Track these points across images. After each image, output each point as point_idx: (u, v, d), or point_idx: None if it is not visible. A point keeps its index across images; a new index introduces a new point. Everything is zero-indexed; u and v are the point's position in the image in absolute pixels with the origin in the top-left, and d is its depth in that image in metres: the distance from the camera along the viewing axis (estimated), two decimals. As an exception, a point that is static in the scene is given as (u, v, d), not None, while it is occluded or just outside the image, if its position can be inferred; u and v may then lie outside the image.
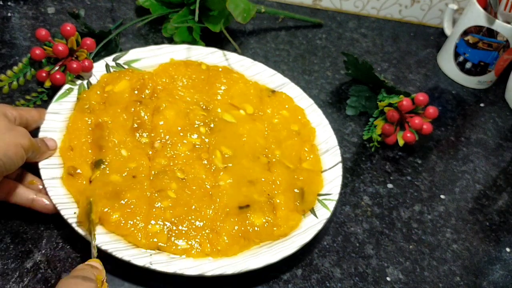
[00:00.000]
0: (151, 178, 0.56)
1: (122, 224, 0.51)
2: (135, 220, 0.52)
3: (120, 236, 0.51)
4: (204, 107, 0.64)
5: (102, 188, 0.53)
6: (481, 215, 0.68)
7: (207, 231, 0.53)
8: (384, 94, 0.74)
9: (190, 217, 0.54)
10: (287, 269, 0.56)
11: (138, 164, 0.56)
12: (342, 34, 0.91)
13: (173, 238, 0.52)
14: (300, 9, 0.92)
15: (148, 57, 0.68)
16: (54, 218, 0.52)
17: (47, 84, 0.62)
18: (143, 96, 0.63)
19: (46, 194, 0.52)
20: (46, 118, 0.57)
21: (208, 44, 0.74)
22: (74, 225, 0.50)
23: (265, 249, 0.54)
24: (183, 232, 0.53)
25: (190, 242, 0.52)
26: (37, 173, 0.54)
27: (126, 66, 0.66)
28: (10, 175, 0.52)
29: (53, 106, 0.59)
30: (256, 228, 0.54)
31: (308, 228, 0.56)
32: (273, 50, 0.83)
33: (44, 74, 0.63)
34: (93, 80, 0.64)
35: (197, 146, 0.60)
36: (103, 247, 0.49)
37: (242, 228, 0.54)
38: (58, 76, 0.62)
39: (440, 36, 0.96)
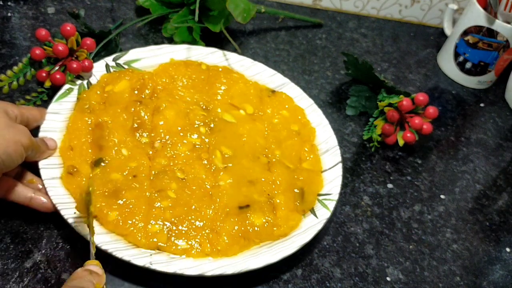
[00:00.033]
0: (151, 178, 0.56)
1: (121, 224, 0.51)
2: (134, 220, 0.52)
3: (119, 236, 0.51)
4: (204, 107, 0.64)
5: (101, 185, 0.53)
6: (481, 215, 0.68)
7: (207, 231, 0.53)
8: (384, 94, 0.74)
9: (190, 217, 0.54)
10: (287, 269, 0.56)
11: (139, 164, 0.56)
12: (342, 34, 0.91)
13: (173, 238, 0.52)
14: (300, 9, 0.92)
15: (148, 57, 0.68)
16: (54, 218, 0.52)
17: (47, 84, 0.62)
18: (143, 96, 0.63)
19: (45, 193, 0.52)
20: (46, 118, 0.58)
21: (208, 44, 0.74)
22: (74, 225, 0.50)
23: (265, 249, 0.54)
24: (183, 232, 0.53)
25: (190, 242, 0.52)
26: (36, 172, 0.54)
27: (126, 66, 0.66)
28: (10, 173, 0.52)
29: (53, 106, 0.59)
30: (256, 228, 0.54)
31: (308, 228, 0.56)
32: (273, 50, 0.83)
33: (44, 74, 0.63)
34: (93, 80, 0.64)
35: (197, 146, 0.60)
36: (103, 247, 0.49)
37: (242, 228, 0.54)
38: (58, 76, 0.62)
39: (440, 36, 0.96)
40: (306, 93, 0.70)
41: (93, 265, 0.46)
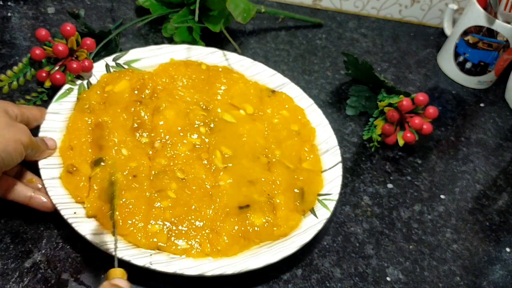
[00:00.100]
0: (151, 178, 0.56)
1: (121, 224, 0.51)
2: (134, 220, 0.52)
3: (119, 235, 0.51)
4: (204, 107, 0.64)
5: (101, 185, 0.53)
6: (481, 215, 0.68)
7: (207, 231, 0.53)
8: (384, 94, 0.74)
9: (190, 217, 0.54)
10: (287, 269, 0.56)
11: (139, 164, 0.56)
12: (342, 34, 0.91)
13: (173, 238, 0.52)
14: (300, 9, 0.92)
15: (148, 57, 0.68)
16: (54, 218, 0.52)
17: (47, 84, 0.62)
18: (143, 96, 0.63)
19: (45, 192, 0.52)
20: (46, 118, 0.58)
21: (208, 44, 0.74)
22: (74, 225, 0.50)
23: (265, 249, 0.54)
24: (183, 232, 0.53)
25: (190, 242, 0.52)
26: (36, 171, 0.54)
27: (126, 66, 0.66)
28: (9, 172, 0.52)
29: (53, 106, 0.59)
30: (256, 228, 0.54)
31: (308, 228, 0.56)
32: (273, 50, 0.83)
33: (44, 74, 0.63)
34: (93, 80, 0.64)
35: (197, 146, 0.60)
36: (103, 247, 0.49)
37: (242, 228, 0.54)
38: (58, 76, 0.62)
39: (440, 36, 0.96)
40: (306, 93, 0.70)
41: (119, 279, 0.44)
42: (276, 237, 0.55)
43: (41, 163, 0.54)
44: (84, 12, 0.69)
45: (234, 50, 0.75)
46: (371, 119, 0.73)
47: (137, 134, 0.59)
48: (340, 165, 0.63)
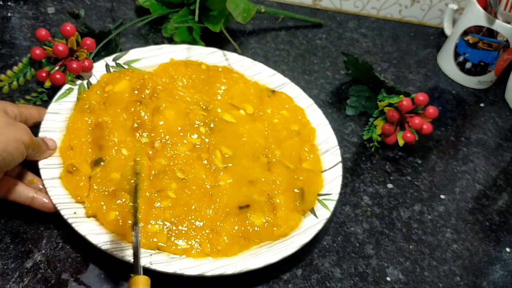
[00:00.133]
0: (151, 178, 0.56)
1: (121, 224, 0.51)
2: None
3: (119, 236, 0.51)
4: (204, 107, 0.64)
5: (101, 185, 0.53)
6: (481, 215, 0.68)
7: (207, 231, 0.53)
8: (384, 94, 0.74)
9: (190, 217, 0.54)
10: (287, 269, 0.56)
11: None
12: (342, 34, 0.91)
13: (173, 238, 0.52)
14: (300, 9, 0.92)
15: (148, 57, 0.68)
16: (54, 218, 0.52)
17: (47, 84, 0.62)
18: (143, 96, 0.63)
19: (46, 193, 0.52)
20: (46, 118, 0.57)
21: (208, 44, 0.74)
22: (74, 225, 0.50)
23: (265, 249, 0.54)
24: (183, 232, 0.53)
25: (190, 242, 0.52)
26: (37, 172, 0.54)
27: (126, 66, 0.66)
28: (11, 172, 0.52)
29: (53, 106, 0.59)
30: (256, 228, 0.54)
31: (308, 228, 0.56)
32: (273, 50, 0.83)
33: (44, 74, 0.63)
34: (93, 80, 0.64)
35: (197, 146, 0.60)
36: (103, 247, 0.49)
37: (242, 228, 0.54)
38: (58, 76, 0.62)
39: (440, 36, 0.96)
40: (306, 93, 0.70)
41: None
42: (276, 237, 0.55)
43: (41, 163, 0.54)
44: (84, 12, 0.69)
45: (234, 50, 0.75)
46: (371, 119, 0.73)
47: (137, 134, 0.59)
48: (340, 165, 0.63)
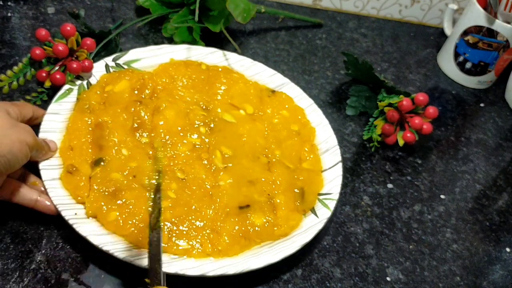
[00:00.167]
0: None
1: (121, 224, 0.51)
2: (134, 220, 0.52)
3: (120, 236, 0.51)
4: (204, 107, 0.64)
5: (101, 185, 0.53)
6: (481, 215, 0.68)
7: (207, 231, 0.53)
8: (384, 94, 0.74)
9: (190, 217, 0.54)
10: (287, 269, 0.56)
11: (139, 164, 0.56)
12: (342, 34, 0.91)
13: (173, 239, 0.52)
14: (300, 9, 0.92)
15: (148, 57, 0.68)
16: (54, 218, 0.52)
17: (47, 84, 0.62)
18: (143, 96, 0.63)
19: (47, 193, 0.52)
20: (46, 118, 0.57)
21: (208, 44, 0.74)
22: (75, 227, 0.50)
23: (266, 249, 0.54)
24: (184, 232, 0.53)
25: (191, 243, 0.52)
26: (38, 174, 0.53)
27: (126, 66, 0.66)
28: (13, 174, 0.52)
29: (52, 106, 0.59)
30: (256, 228, 0.54)
31: (309, 227, 0.56)
32: (273, 50, 0.83)
33: (44, 74, 0.63)
34: (93, 80, 0.64)
35: (197, 146, 0.60)
36: (104, 248, 0.49)
37: (243, 228, 0.54)
38: (58, 76, 0.62)
39: (440, 36, 0.96)
40: (306, 93, 0.70)
41: None
42: (277, 237, 0.55)
43: (42, 165, 0.54)
44: (84, 12, 0.69)
45: (234, 50, 0.75)
46: (371, 119, 0.73)
47: (137, 134, 0.59)
48: (340, 164, 0.63)
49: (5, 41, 0.70)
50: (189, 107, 0.63)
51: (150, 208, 0.48)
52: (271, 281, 0.54)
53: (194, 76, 0.67)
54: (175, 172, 0.57)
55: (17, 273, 0.49)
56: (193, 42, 0.74)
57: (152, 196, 0.48)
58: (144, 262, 0.49)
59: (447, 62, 0.89)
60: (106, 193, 0.53)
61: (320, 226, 0.56)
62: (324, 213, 0.58)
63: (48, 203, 0.51)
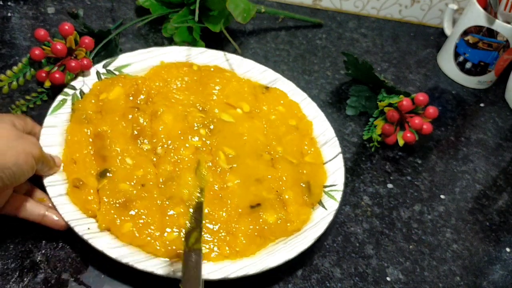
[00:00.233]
0: (160, 185, 0.55)
1: (137, 235, 0.51)
2: (149, 230, 0.51)
3: (137, 247, 0.50)
4: (201, 108, 0.64)
5: (111, 197, 0.52)
6: (481, 215, 0.68)
7: (223, 233, 0.53)
8: (384, 94, 0.74)
9: (204, 221, 0.53)
10: (287, 269, 0.56)
11: (145, 172, 0.55)
12: (342, 34, 0.91)
13: None
14: (300, 9, 0.92)
15: (138, 61, 0.67)
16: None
17: (47, 84, 0.62)
18: (138, 101, 0.62)
19: (57, 210, 0.51)
20: (43, 132, 0.56)
21: (208, 44, 0.74)
22: (91, 242, 0.49)
23: (281, 246, 0.54)
24: None
25: (207, 246, 0.52)
26: (44, 191, 0.52)
27: (117, 72, 0.65)
28: (19, 189, 0.51)
29: (48, 119, 0.57)
30: (270, 226, 0.55)
31: (319, 220, 0.57)
32: (273, 50, 0.83)
33: (43, 74, 0.63)
34: (85, 88, 0.62)
35: (199, 148, 0.59)
36: (123, 261, 0.48)
37: (257, 227, 0.54)
38: (57, 76, 0.62)
39: (440, 36, 0.96)
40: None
41: None
42: (290, 233, 0.55)
43: (46, 181, 0.52)
44: (83, 12, 0.69)
45: (234, 50, 0.75)
46: (371, 119, 0.73)
47: (139, 142, 0.58)
48: (341, 155, 0.63)
49: (5, 41, 0.70)
50: (186, 109, 0.62)
51: (188, 224, 0.47)
52: (271, 281, 0.54)
53: (187, 78, 0.67)
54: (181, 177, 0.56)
55: (17, 273, 0.49)
56: (193, 42, 0.74)
57: (193, 214, 0.46)
58: (167, 270, 0.48)
59: (447, 62, 0.89)
60: (117, 205, 0.52)
61: (330, 218, 0.57)
62: (332, 205, 0.58)
63: (56, 218, 0.50)
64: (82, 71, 0.64)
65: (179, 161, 0.57)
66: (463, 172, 0.73)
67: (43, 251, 0.51)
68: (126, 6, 0.82)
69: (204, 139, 0.60)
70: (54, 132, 0.57)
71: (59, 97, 0.60)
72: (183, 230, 0.51)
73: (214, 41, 0.78)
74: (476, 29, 0.81)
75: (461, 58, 0.86)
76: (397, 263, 0.60)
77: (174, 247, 0.50)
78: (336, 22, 0.93)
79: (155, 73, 0.66)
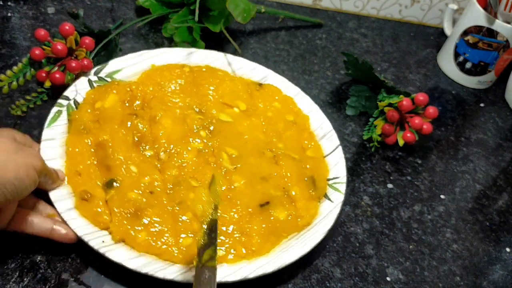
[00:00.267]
0: (168, 191, 0.55)
1: (153, 244, 0.50)
2: (164, 237, 0.51)
3: (153, 255, 0.50)
4: (198, 110, 0.64)
5: (121, 207, 0.52)
6: (481, 215, 0.68)
7: (237, 234, 0.53)
8: (384, 94, 0.74)
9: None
10: (287, 269, 0.56)
11: (152, 179, 0.55)
12: (342, 34, 0.91)
13: None
14: (300, 9, 0.92)
15: (129, 66, 0.66)
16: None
17: (47, 84, 0.62)
18: (135, 107, 0.61)
19: (65, 224, 0.50)
20: (43, 146, 0.55)
21: (208, 44, 0.74)
22: (107, 255, 0.48)
23: (294, 242, 0.55)
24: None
25: (223, 248, 0.52)
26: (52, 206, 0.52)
27: (108, 79, 0.64)
28: (25, 204, 0.50)
29: (46, 132, 0.56)
30: (281, 223, 0.55)
31: (327, 213, 0.57)
32: (273, 50, 0.83)
33: (44, 74, 0.63)
34: (79, 98, 0.61)
35: (202, 151, 0.59)
36: (143, 271, 0.48)
37: (270, 225, 0.55)
38: (57, 76, 0.62)
39: (440, 36, 0.96)
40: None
41: None
42: (301, 228, 0.56)
43: (53, 196, 0.51)
44: (83, 12, 0.69)
45: (234, 50, 0.75)
46: (371, 119, 0.73)
47: (141, 148, 0.58)
48: (340, 148, 0.64)
49: (5, 41, 0.70)
50: (184, 112, 0.62)
51: (202, 241, 0.45)
52: (271, 281, 0.54)
53: (180, 80, 0.66)
54: (188, 181, 0.56)
55: (17, 273, 0.49)
56: (193, 42, 0.74)
57: (206, 230, 0.45)
58: (187, 276, 0.48)
59: (447, 62, 0.89)
60: (129, 215, 0.51)
61: (337, 210, 0.58)
62: (337, 197, 0.59)
63: (64, 231, 0.49)
64: (76, 76, 0.63)
65: (184, 165, 0.57)
66: (463, 172, 0.73)
67: (43, 251, 0.51)
68: (126, 6, 0.82)
69: (205, 141, 0.60)
70: (53, 145, 0.56)
71: (54, 109, 0.59)
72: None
73: (214, 41, 0.78)
74: (476, 29, 0.81)
75: (461, 58, 0.86)
76: (397, 263, 0.60)
77: (191, 253, 0.50)
78: (336, 22, 0.93)
79: (148, 77, 0.65)
